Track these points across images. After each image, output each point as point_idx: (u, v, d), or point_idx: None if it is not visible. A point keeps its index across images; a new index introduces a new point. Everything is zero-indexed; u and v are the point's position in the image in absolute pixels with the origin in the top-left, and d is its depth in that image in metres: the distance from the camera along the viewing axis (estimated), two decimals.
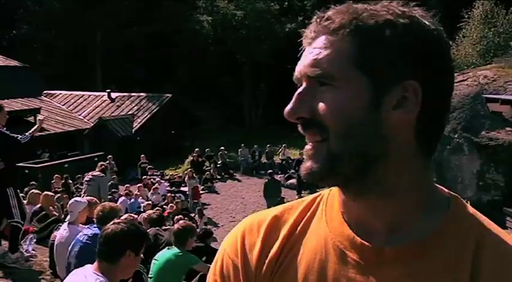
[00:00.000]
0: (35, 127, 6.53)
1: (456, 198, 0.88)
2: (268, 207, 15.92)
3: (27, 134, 6.22)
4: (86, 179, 11.83)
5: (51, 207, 9.09)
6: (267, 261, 0.92)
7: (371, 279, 0.83)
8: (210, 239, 7.42)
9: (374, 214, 0.85)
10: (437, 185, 0.90)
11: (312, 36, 0.84)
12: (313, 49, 0.83)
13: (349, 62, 0.80)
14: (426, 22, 0.82)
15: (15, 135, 6.11)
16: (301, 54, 0.86)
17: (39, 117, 6.82)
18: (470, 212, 0.87)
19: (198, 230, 6.63)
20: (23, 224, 6.50)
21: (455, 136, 14.08)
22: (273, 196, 16.93)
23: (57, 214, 9.26)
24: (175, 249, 5.02)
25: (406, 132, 0.82)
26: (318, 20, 0.84)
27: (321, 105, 0.80)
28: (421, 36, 0.80)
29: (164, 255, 5.02)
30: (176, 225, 5.32)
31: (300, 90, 0.84)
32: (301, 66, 0.84)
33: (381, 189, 0.82)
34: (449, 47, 0.86)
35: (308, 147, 0.84)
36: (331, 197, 0.93)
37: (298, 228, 0.93)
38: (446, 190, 0.89)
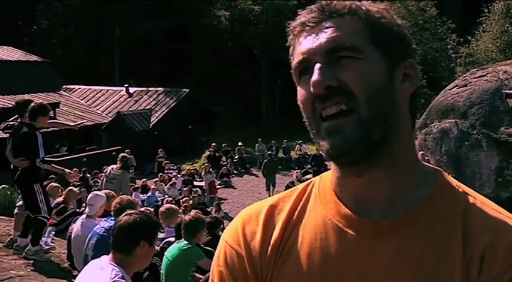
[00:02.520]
0: (58, 168, 6.58)
1: (441, 172, 0.96)
2: (267, 184, 16.52)
3: (46, 166, 6.25)
4: (107, 174, 11.61)
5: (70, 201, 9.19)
6: (269, 246, 0.96)
7: (371, 252, 0.88)
8: (219, 229, 7.34)
9: (374, 187, 0.90)
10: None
11: (315, 20, 0.91)
12: (326, 29, 0.89)
13: (366, 39, 0.89)
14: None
15: (40, 155, 6.05)
16: (300, 40, 0.94)
17: (67, 171, 6.71)
18: (455, 182, 0.95)
19: (208, 219, 6.48)
20: (49, 219, 6.64)
21: (474, 132, 13.92)
22: (271, 174, 18.75)
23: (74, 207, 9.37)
24: (182, 242, 4.89)
25: (407, 105, 0.92)
26: (321, 7, 0.91)
27: (348, 74, 0.86)
28: (404, 28, 0.95)
29: (172, 250, 4.92)
30: (187, 217, 5.16)
31: (319, 65, 0.87)
32: (315, 45, 0.89)
33: (388, 160, 0.89)
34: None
35: (329, 124, 0.88)
36: (322, 181, 1.00)
37: (296, 213, 0.98)
38: (429, 164, 0.97)
